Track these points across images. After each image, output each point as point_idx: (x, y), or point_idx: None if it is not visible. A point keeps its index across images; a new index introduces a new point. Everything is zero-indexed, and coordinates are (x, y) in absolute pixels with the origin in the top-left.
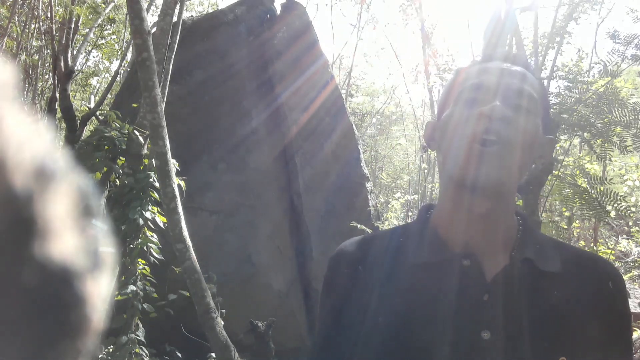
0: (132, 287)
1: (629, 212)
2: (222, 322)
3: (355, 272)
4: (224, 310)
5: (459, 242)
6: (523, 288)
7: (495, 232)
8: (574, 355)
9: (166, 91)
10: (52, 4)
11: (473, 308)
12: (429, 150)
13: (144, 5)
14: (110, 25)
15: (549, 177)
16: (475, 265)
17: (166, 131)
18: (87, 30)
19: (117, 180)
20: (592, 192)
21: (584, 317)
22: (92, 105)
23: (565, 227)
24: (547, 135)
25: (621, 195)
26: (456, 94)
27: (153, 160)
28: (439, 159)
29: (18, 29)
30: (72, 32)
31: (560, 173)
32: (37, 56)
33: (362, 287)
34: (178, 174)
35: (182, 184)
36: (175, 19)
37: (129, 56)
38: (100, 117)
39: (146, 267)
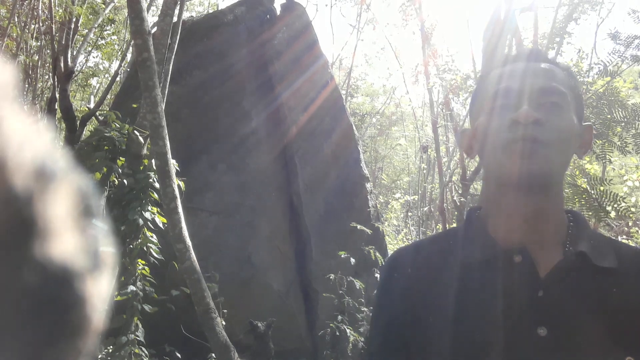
0: (131, 288)
1: (628, 212)
2: (223, 322)
3: (405, 276)
4: (225, 311)
5: (509, 239)
6: (579, 284)
7: (545, 229)
8: None
9: (166, 91)
10: (52, 4)
11: (528, 304)
12: (469, 156)
13: (144, 5)
14: (110, 25)
15: None
16: (528, 261)
17: (166, 131)
18: (87, 30)
19: (116, 180)
20: (592, 192)
21: None
22: (91, 105)
23: None
24: (583, 124)
25: (621, 196)
26: (485, 101)
27: (153, 161)
28: (482, 164)
29: (18, 29)
30: (71, 33)
31: None
32: (37, 56)
33: (413, 290)
34: (178, 174)
35: (182, 184)
36: (175, 19)
37: (128, 56)
38: (100, 117)
39: (146, 268)
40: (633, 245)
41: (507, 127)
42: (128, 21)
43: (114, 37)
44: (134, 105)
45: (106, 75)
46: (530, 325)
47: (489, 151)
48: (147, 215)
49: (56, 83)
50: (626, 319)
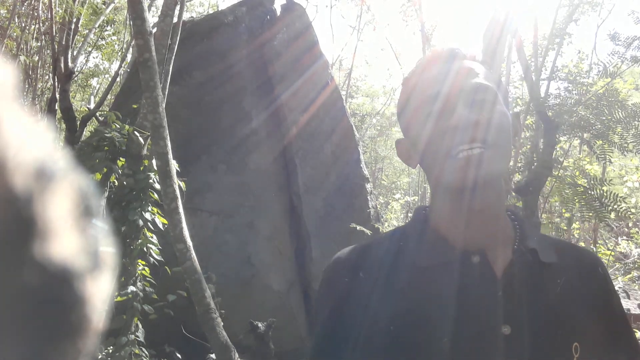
0: (131, 288)
1: (628, 213)
2: (222, 323)
3: (355, 278)
4: (223, 311)
5: (462, 239)
6: (532, 280)
7: (496, 227)
8: (584, 340)
9: (166, 92)
10: (52, 4)
11: (489, 305)
12: (410, 165)
13: (145, 6)
14: (110, 26)
15: (549, 178)
16: (485, 262)
17: (167, 131)
18: (87, 31)
19: (116, 181)
20: (592, 193)
21: (586, 302)
22: (92, 106)
23: (565, 228)
24: (511, 112)
25: (621, 197)
26: (416, 109)
27: (153, 161)
28: (426, 172)
29: (18, 29)
30: (72, 33)
31: (560, 174)
32: (37, 57)
33: (364, 294)
34: (178, 174)
35: (182, 185)
36: (175, 20)
37: (128, 57)
38: (100, 117)
39: (146, 268)
40: (559, 238)
41: (447, 134)
42: (128, 22)
43: (114, 37)
44: (134, 106)
45: (106, 76)
46: (494, 325)
47: (432, 160)
48: (147, 215)
49: (56, 83)
50: (571, 310)
